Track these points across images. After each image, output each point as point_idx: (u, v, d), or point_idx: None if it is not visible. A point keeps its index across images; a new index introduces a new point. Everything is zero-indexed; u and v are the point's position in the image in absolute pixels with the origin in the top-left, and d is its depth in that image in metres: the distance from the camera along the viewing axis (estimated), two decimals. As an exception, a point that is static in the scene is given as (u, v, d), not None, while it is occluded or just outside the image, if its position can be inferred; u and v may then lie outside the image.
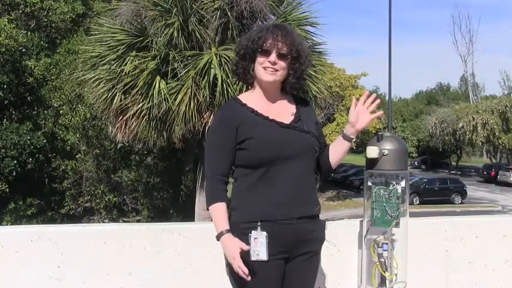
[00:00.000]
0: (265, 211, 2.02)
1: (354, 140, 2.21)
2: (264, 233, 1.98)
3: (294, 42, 2.07)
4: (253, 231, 1.98)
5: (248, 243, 1.97)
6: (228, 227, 2.00)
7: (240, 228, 2.01)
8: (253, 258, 1.97)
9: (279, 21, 10.65)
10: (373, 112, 2.21)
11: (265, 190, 2.03)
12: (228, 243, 1.98)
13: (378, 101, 2.21)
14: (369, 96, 2.21)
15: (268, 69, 2.06)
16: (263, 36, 2.06)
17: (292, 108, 2.17)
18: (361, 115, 2.17)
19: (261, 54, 2.06)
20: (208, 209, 2.06)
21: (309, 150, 2.11)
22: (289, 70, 2.10)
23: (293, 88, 2.17)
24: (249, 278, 1.94)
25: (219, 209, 2.03)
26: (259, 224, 1.99)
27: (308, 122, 2.16)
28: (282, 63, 2.06)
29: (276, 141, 2.04)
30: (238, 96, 2.18)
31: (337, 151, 2.22)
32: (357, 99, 2.21)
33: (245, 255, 1.97)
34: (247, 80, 2.17)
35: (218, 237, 2.01)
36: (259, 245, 1.97)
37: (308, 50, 2.16)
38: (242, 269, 1.93)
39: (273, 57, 2.04)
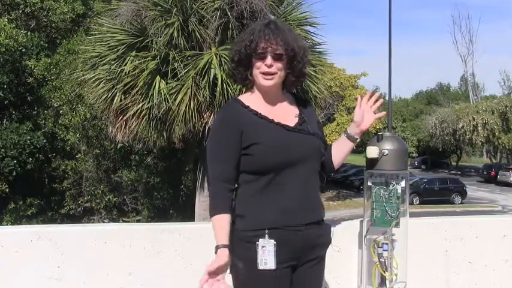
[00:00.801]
0: (273, 218, 1.94)
1: (357, 140, 2.18)
2: (272, 241, 1.91)
3: (288, 40, 1.99)
4: (260, 240, 1.91)
5: (255, 252, 1.91)
6: (226, 242, 1.90)
7: (246, 237, 1.94)
8: (261, 267, 1.91)
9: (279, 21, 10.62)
10: (376, 112, 2.19)
11: (272, 196, 1.96)
12: (219, 257, 1.87)
13: (381, 100, 2.19)
14: (372, 96, 2.19)
15: (266, 74, 1.99)
16: (254, 39, 1.97)
17: (294, 110, 2.11)
18: (366, 114, 2.15)
19: (256, 58, 1.98)
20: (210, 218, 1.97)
21: (315, 153, 2.05)
22: (287, 69, 2.03)
23: (293, 86, 2.13)
24: None
25: (220, 222, 1.91)
26: (266, 231, 1.91)
27: (312, 123, 2.10)
28: (278, 65, 1.99)
29: (282, 146, 1.97)
30: (239, 97, 2.11)
31: (340, 151, 2.18)
32: (361, 97, 2.19)
33: (252, 264, 1.91)
34: (247, 85, 2.11)
35: (216, 250, 1.91)
36: (267, 254, 1.91)
37: (304, 46, 2.08)
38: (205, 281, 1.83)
39: (269, 60, 1.97)
